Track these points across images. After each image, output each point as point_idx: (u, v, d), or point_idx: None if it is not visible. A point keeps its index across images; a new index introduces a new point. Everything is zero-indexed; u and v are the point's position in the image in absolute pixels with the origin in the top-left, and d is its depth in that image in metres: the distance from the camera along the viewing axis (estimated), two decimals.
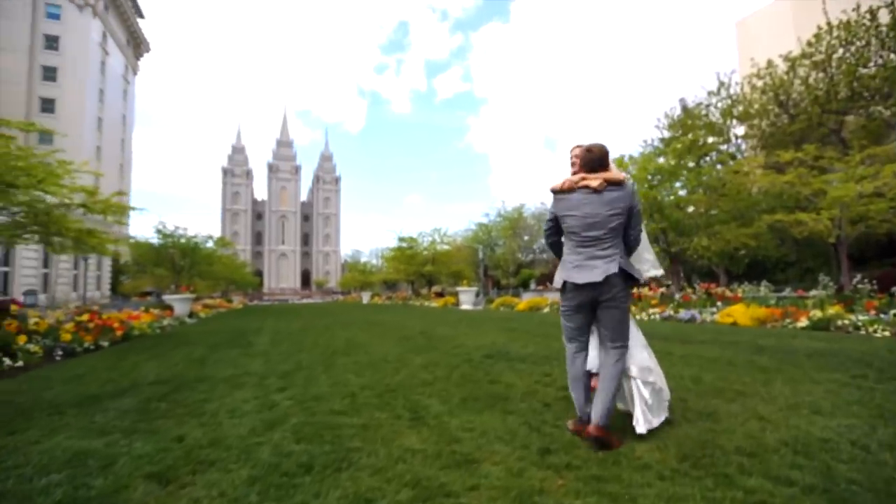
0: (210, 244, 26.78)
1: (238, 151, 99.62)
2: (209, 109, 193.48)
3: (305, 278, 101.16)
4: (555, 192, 2.72)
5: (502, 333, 8.34)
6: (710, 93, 19.04)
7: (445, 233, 31.68)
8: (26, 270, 24.33)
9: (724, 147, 19.02)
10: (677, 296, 12.31)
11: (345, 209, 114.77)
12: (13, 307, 8.09)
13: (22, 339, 6.66)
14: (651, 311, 11.20)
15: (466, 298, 22.49)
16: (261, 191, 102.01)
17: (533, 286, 28.89)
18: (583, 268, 2.57)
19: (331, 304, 39.00)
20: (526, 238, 36.90)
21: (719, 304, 10.73)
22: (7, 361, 5.90)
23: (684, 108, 21.47)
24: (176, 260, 24.73)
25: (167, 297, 17.47)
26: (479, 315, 15.07)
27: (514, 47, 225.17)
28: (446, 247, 33.58)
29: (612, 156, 2.86)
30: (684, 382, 3.86)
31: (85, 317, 8.44)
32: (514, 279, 33.22)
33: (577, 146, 2.83)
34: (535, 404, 3.35)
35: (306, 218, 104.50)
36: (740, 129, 18.87)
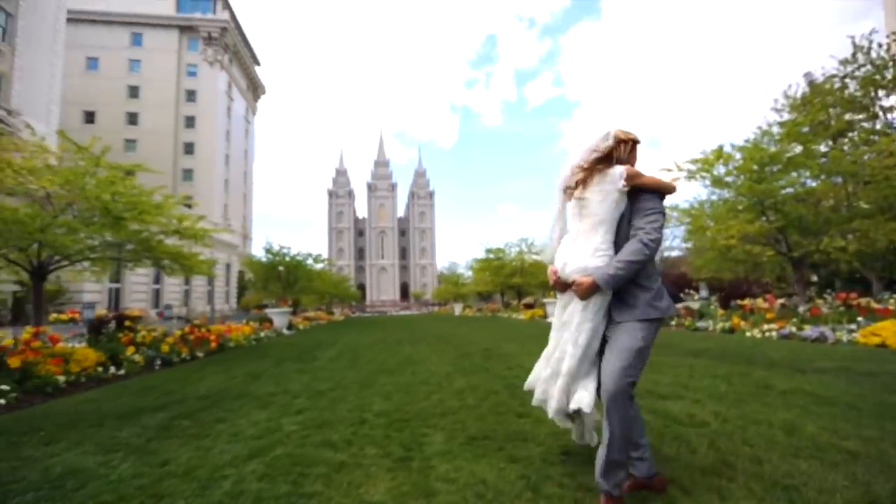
0: (310, 261, 29.16)
1: (341, 174, 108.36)
2: (315, 138, 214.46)
3: (404, 290, 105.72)
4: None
5: None
6: (843, 61, 15.75)
7: (532, 242, 30.60)
8: (137, 287, 28.55)
9: (867, 125, 15.52)
10: (802, 308, 10.15)
11: (440, 222, 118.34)
12: (136, 313, 9.41)
13: (130, 349, 7.64)
14: (766, 326, 9.35)
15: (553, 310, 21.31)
16: (361, 209, 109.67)
17: None
18: None
19: (422, 315, 39.95)
20: None
21: (861, 318, 8.57)
22: (112, 370, 6.78)
23: (811, 84, 18.11)
24: (282, 276, 27.33)
25: (268, 311, 19.21)
26: None
27: (606, 45, 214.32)
28: (536, 256, 32.42)
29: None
30: (772, 432, 2.95)
31: (186, 329, 9.51)
32: None
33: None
34: (554, 450, 2.77)
35: (403, 233, 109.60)
36: (891, 100, 15.28)
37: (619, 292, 2.11)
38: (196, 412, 3.98)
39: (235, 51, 49.62)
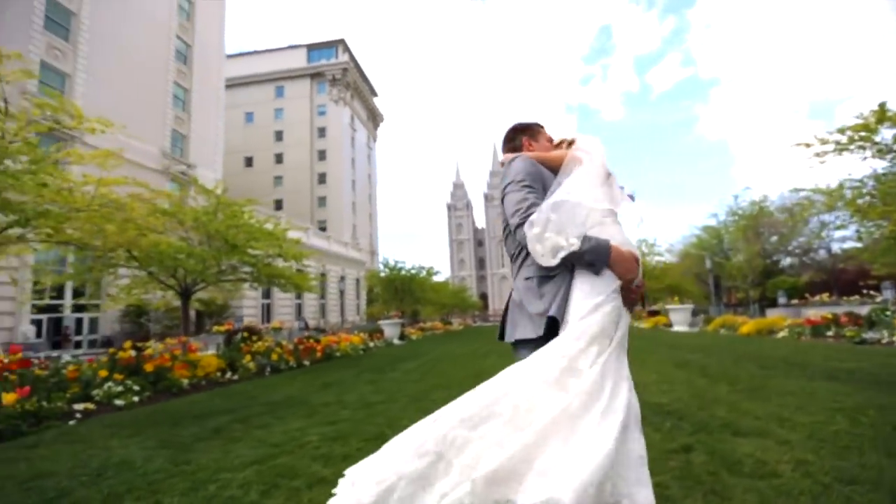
0: (423, 274, 30.65)
1: (458, 187, 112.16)
2: (432, 155, 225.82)
3: None
4: None
5: (663, 370, 6.62)
6: None
7: (654, 243, 27.63)
8: (283, 302, 32.64)
9: None
10: None
11: None
12: (277, 325, 10.98)
13: (248, 358, 8.91)
14: None
15: (679, 318, 18.91)
16: (480, 219, 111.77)
17: (783, 300, 22.03)
18: None
19: None
20: (773, 239, 28.83)
21: None
22: (229, 375, 7.99)
23: None
24: (398, 289, 29.22)
25: (381, 322, 20.62)
26: (676, 339, 12.41)
27: (746, 9, 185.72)
28: (660, 258, 29.24)
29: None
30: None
31: (295, 340, 10.75)
32: (755, 291, 26.09)
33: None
34: None
35: None
36: None
37: None
38: (252, 417, 4.46)
39: (355, 87, 55.22)
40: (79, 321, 18.89)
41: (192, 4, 27.01)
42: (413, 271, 29.64)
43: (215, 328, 20.39)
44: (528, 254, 1.52)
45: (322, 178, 51.09)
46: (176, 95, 25.46)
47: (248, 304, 27.91)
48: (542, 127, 1.89)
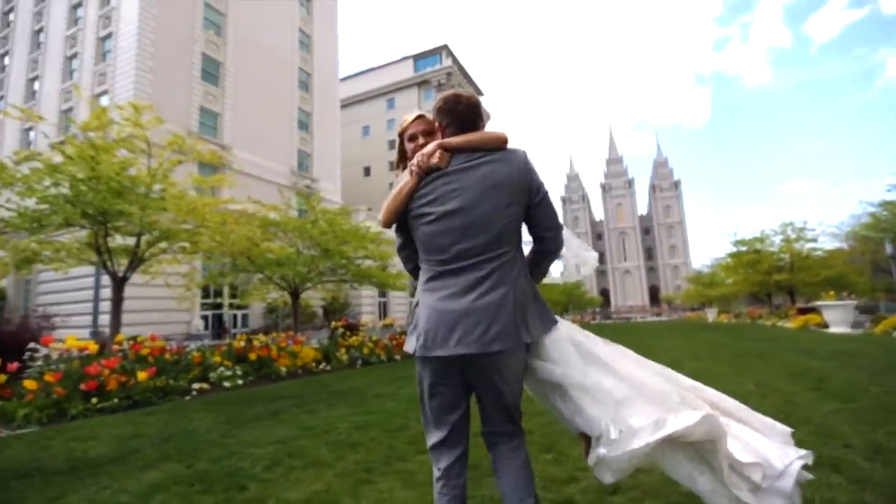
0: None
1: (572, 179, 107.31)
2: (544, 148, 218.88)
3: (654, 294, 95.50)
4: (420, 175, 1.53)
5: (767, 380, 5.64)
6: None
7: (803, 227, 22.99)
8: (398, 300, 34.54)
9: None
10: None
11: (696, 215, 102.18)
12: (389, 322, 12.06)
13: (343, 351, 9.87)
14: None
15: (836, 317, 15.55)
16: (598, 211, 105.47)
17: None
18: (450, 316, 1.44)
19: (662, 323, 35.32)
20: None
21: None
22: (322, 365, 8.95)
23: None
24: None
25: None
26: (817, 343, 10.26)
27: None
28: (814, 244, 24.33)
29: None
30: None
31: (388, 336, 11.53)
32: None
33: (421, 115, 1.85)
34: None
35: (647, 231, 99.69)
36: None
37: None
38: (309, 403, 5.00)
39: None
40: (234, 316, 22.79)
41: (310, 38, 30.54)
42: None
43: (333, 324, 22.82)
44: None
45: None
46: (300, 119, 29.05)
47: (367, 302, 30.50)
48: None
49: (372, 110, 55.47)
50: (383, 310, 32.62)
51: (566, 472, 2.61)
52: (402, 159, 1.77)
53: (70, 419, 4.62)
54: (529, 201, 1.54)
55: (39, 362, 5.59)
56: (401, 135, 1.81)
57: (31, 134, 23.08)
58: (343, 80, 55.26)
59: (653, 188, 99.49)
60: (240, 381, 6.81)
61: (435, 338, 1.42)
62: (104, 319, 15.32)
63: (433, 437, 1.55)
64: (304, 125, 29.47)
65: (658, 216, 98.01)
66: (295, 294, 11.07)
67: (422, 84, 53.77)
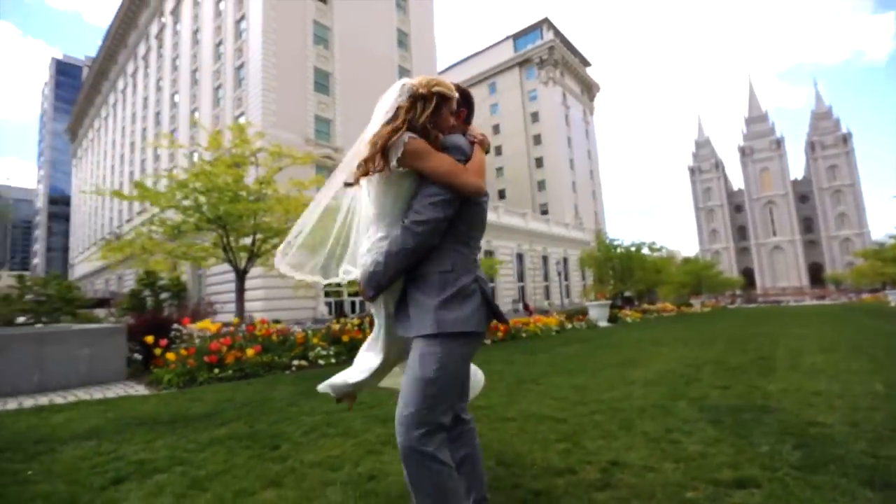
0: (646, 250, 27.66)
1: (702, 146, 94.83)
2: (664, 116, 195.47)
3: (815, 273, 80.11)
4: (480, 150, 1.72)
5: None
6: None
7: None
8: (506, 285, 34.22)
9: None
10: None
11: (874, 175, 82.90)
12: None
13: None
14: None
15: None
16: (736, 180, 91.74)
17: None
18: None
19: (825, 307, 29.57)
20: None
21: None
22: None
23: None
24: (616, 268, 27.33)
25: (589, 304, 19.83)
26: None
27: None
28: None
29: None
30: None
31: None
32: None
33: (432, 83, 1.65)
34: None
35: (804, 198, 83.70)
36: None
37: (403, 298, 1.63)
38: None
39: (564, 63, 53.57)
40: (353, 303, 25.27)
41: (407, 36, 31.79)
42: (631, 248, 27.17)
43: None
44: None
45: (539, 163, 51.93)
46: None
47: None
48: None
49: (475, 97, 55.52)
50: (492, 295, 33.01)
51: (566, 463, 2.52)
52: (436, 115, 1.61)
53: (198, 384, 5.74)
54: None
55: (184, 340, 7.02)
56: (444, 97, 1.63)
57: (195, 156, 28.25)
58: (443, 71, 56.41)
59: (811, 146, 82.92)
60: (332, 360, 7.65)
61: (486, 314, 1.61)
62: (249, 306, 18.30)
63: (447, 416, 1.51)
64: None
65: (819, 179, 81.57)
66: None
67: (523, 63, 52.29)
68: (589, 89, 60.35)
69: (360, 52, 27.67)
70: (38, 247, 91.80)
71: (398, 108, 1.58)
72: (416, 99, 1.59)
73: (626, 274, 27.10)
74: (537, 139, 52.06)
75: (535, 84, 51.79)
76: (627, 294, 33.46)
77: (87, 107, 55.67)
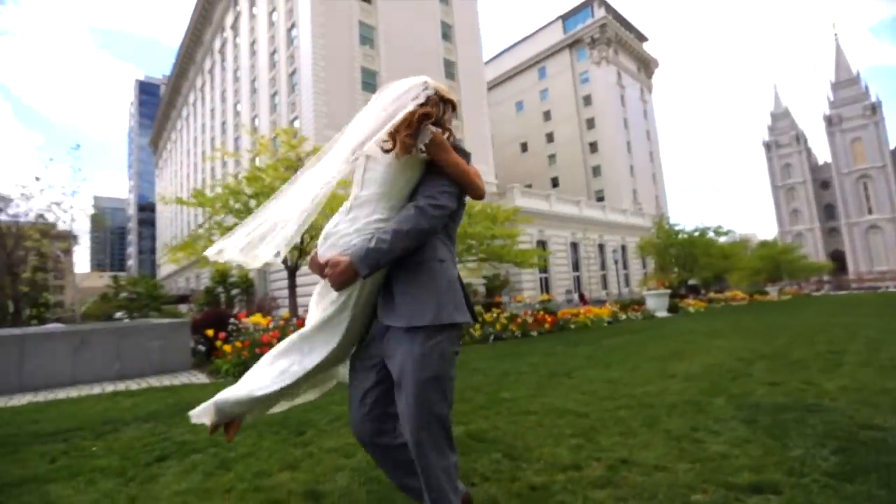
0: (711, 235, 25.78)
1: (779, 118, 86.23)
2: (731, 87, 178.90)
3: None
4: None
5: None
6: None
7: None
8: (560, 275, 33.26)
9: None
10: None
11: None
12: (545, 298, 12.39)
13: (476, 327, 10.41)
14: None
15: None
16: (821, 153, 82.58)
17: None
18: None
19: None
20: None
21: None
22: None
23: None
24: (677, 256, 25.73)
25: (646, 293, 18.88)
26: None
27: None
28: None
29: None
30: None
31: (524, 312, 11.60)
32: None
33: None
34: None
35: None
36: None
37: (389, 284, 1.56)
38: None
39: (618, 40, 50.77)
40: None
41: (451, 28, 31.65)
42: (694, 233, 25.43)
43: (497, 299, 23.70)
44: None
45: (594, 147, 49.89)
46: None
47: (528, 279, 30.76)
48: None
49: (524, 83, 54.35)
50: (545, 285, 32.42)
51: (573, 459, 2.48)
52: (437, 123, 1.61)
53: None
54: None
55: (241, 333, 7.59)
56: (454, 107, 1.70)
57: (258, 160, 30.11)
58: (490, 60, 55.56)
59: None
60: None
61: (470, 307, 1.61)
62: (302, 301, 19.35)
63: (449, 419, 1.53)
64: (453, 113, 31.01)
65: None
66: None
67: (573, 45, 50.23)
68: (646, 66, 56.84)
69: (404, 48, 27.97)
70: (131, 250, 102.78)
71: (429, 97, 1.57)
72: (441, 99, 1.62)
73: (690, 261, 25.40)
74: (590, 123, 49.93)
75: (586, 65, 49.60)
76: (692, 282, 31.42)
77: (165, 121, 60.99)
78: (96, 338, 6.35)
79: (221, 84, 39.15)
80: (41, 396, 5.18)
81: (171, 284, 44.60)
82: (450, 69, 31.05)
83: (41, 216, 13.92)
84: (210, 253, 1.66)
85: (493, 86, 55.45)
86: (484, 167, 32.50)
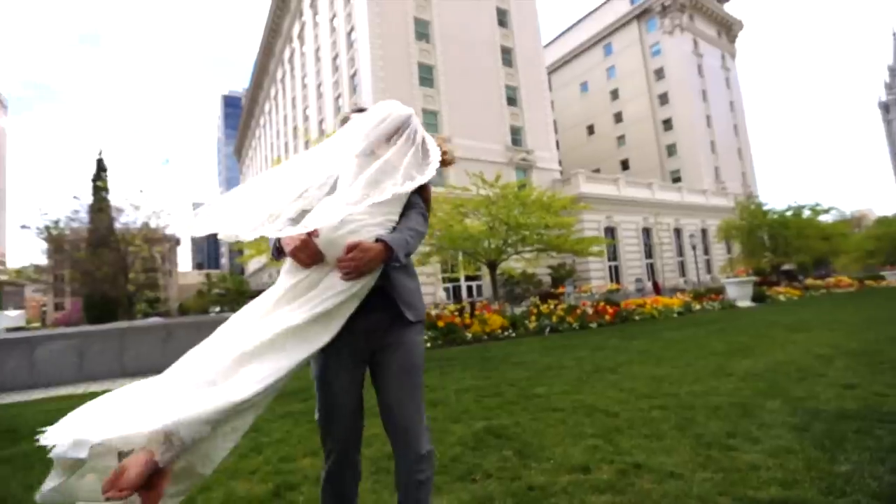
0: (807, 213, 22.92)
1: None
2: (835, 40, 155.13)
3: None
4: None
5: None
6: None
7: None
8: (631, 263, 31.30)
9: None
10: None
11: None
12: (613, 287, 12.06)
13: (532, 318, 10.24)
14: None
15: None
16: None
17: None
18: None
19: None
20: None
21: None
22: (509, 332, 9.55)
23: None
24: (770, 236, 23.24)
25: (726, 281, 17.30)
26: None
27: None
28: None
29: None
30: None
31: (582, 304, 11.18)
32: None
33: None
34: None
35: None
36: None
37: (388, 279, 1.47)
38: (449, 366, 5.65)
39: (693, 4, 46.35)
40: (469, 287, 26.03)
41: (507, 13, 30.88)
42: (787, 212, 22.79)
43: (560, 289, 23.06)
44: None
45: (668, 125, 46.35)
46: (508, 96, 30.00)
47: (595, 268, 29.55)
48: None
49: (588, 62, 51.59)
50: (614, 274, 30.93)
51: (584, 461, 2.39)
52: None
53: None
54: None
55: None
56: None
57: None
58: (550, 42, 53.48)
59: None
60: (428, 345, 8.11)
61: None
62: None
63: None
64: (512, 100, 30.32)
65: None
66: (492, 266, 12.02)
67: (641, 16, 46.74)
68: (728, 29, 51.40)
69: (460, 39, 27.82)
70: (223, 249, 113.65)
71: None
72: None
73: (783, 244, 22.78)
74: (663, 98, 46.33)
75: (657, 36, 45.94)
76: (786, 267, 28.20)
77: (246, 130, 66.30)
78: (180, 331, 7.16)
79: (291, 91, 41.68)
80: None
81: (256, 280, 48.69)
82: (507, 56, 30.39)
83: (146, 223, 15.97)
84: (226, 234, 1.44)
85: (555, 69, 53.40)
86: (547, 154, 31.56)
